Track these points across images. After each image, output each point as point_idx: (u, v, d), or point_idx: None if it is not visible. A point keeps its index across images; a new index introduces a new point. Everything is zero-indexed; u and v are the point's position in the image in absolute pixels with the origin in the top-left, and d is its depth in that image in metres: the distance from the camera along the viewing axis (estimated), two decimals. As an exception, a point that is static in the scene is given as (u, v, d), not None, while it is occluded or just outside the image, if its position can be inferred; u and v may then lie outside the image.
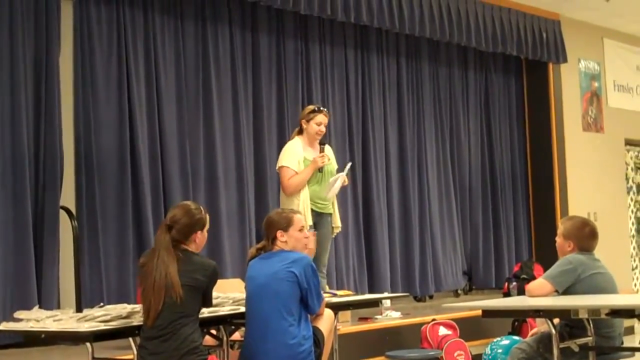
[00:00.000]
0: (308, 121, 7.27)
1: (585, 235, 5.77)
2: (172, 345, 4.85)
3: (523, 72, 12.02)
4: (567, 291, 5.55)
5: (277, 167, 7.33)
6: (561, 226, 5.85)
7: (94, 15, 7.70)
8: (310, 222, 7.03)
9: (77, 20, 7.62)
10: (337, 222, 7.43)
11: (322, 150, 7.29)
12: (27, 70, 7.09)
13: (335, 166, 7.49)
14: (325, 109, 7.44)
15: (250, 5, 8.80)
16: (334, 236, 7.56)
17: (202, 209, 5.22)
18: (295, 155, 7.20)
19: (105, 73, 7.74)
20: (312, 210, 7.14)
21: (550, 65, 11.76)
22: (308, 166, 7.16)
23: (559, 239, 5.82)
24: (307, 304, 5.35)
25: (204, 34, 8.51)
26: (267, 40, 9.07)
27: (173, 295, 4.85)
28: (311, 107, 7.46)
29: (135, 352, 4.97)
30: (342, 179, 7.27)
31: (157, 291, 4.87)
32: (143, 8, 8.04)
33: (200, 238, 5.14)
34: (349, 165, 7.61)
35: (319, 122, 7.28)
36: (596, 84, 12.63)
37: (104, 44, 7.76)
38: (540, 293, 5.60)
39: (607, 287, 5.66)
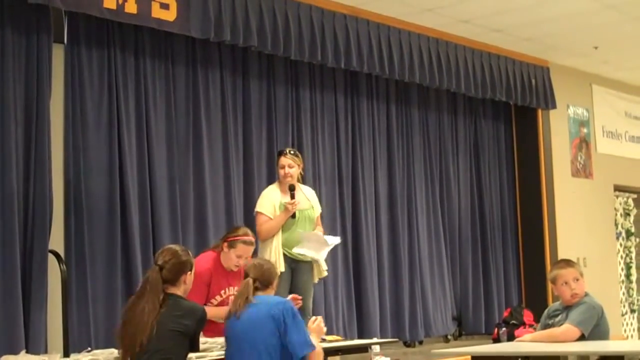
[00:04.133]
0: (277, 166, 7.34)
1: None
2: None
3: (512, 118, 12.08)
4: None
5: (254, 212, 7.37)
6: (573, 269, 5.80)
7: (85, 59, 7.72)
8: (282, 268, 7.02)
9: (67, 63, 7.64)
10: (322, 265, 7.43)
11: (292, 197, 7.28)
12: (18, 113, 7.08)
13: (319, 209, 7.51)
14: (289, 151, 7.49)
15: (241, 51, 8.84)
16: (317, 280, 7.53)
17: (188, 251, 5.26)
18: (271, 201, 7.22)
19: (95, 116, 7.74)
20: (287, 257, 7.13)
21: (540, 111, 11.84)
22: (281, 213, 7.18)
23: (581, 280, 5.77)
24: (288, 346, 5.20)
25: (195, 79, 8.54)
26: (258, 85, 9.10)
27: (140, 339, 4.84)
28: (279, 150, 7.55)
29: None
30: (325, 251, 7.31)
31: (134, 334, 4.89)
32: (134, 52, 8.07)
33: (189, 280, 5.17)
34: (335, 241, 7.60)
35: (282, 165, 7.32)
36: (585, 130, 12.70)
37: (95, 87, 7.77)
38: (569, 339, 5.55)
39: (606, 333, 5.68)
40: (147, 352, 4.86)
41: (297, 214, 7.25)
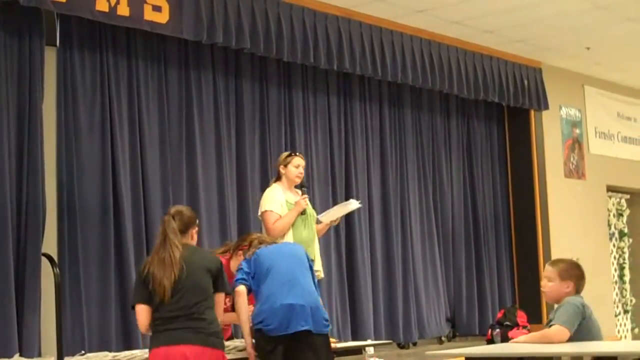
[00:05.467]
0: (286, 165, 7.30)
1: (581, 276, 5.79)
2: (200, 324, 5.14)
3: (505, 119, 12.09)
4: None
5: (259, 213, 7.33)
6: (553, 268, 5.79)
7: (78, 62, 7.71)
8: None
9: (60, 66, 7.63)
10: (318, 267, 7.43)
11: (303, 192, 7.34)
12: (10, 116, 7.07)
13: (313, 211, 7.51)
14: (300, 153, 7.50)
15: (234, 52, 8.84)
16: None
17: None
18: (278, 199, 7.22)
19: (88, 119, 7.74)
20: None
21: (532, 112, 11.85)
22: (292, 209, 7.18)
23: (554, 281, 5.74)
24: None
25: (188, 81, 8.54)
26: (251, 87, 9.10)
27: (176, 272, 5.14)
28: (287, 152, 7.53)
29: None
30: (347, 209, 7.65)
31: (170, 266, 5.17)
32: (127, 54, 8.06)
33: (195, 236, 5.53)
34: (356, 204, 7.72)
35: (297, 165, 7.32)
36: (577, 131, 12.72)
37: (87, 90, 7.77)
38: (562, 340, 5.54)
39: (597, 333, 5.66)
40: (182, 289, 5.14)
41: (306, 210, 7.29)
